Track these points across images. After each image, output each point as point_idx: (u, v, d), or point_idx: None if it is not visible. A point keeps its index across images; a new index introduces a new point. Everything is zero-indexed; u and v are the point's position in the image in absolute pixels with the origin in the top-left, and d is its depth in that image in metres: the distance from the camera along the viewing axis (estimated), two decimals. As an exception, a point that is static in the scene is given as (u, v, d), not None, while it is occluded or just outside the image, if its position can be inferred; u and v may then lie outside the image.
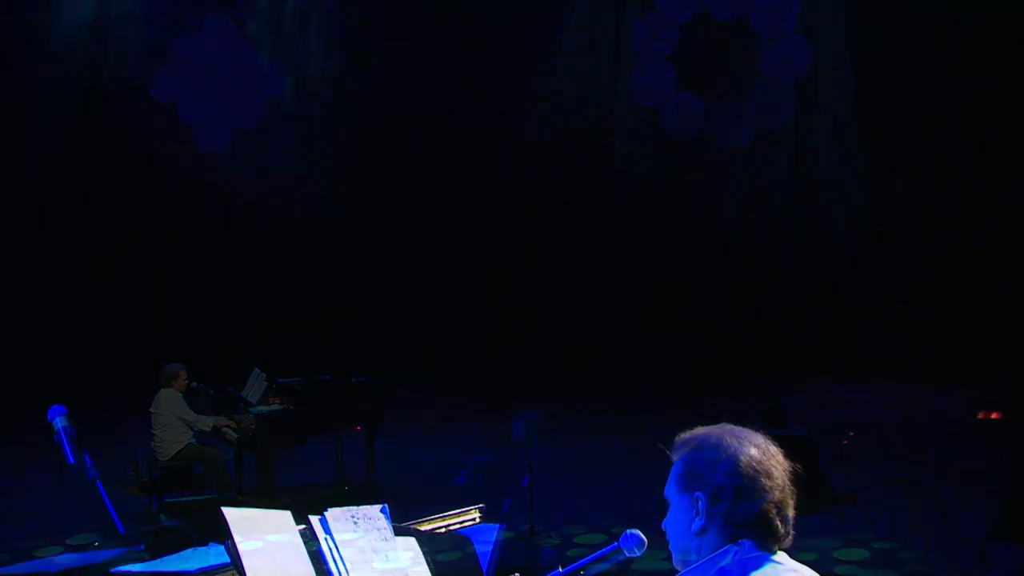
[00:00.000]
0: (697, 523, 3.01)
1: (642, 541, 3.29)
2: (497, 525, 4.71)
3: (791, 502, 3.04)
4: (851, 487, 10.03)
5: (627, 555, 3.29)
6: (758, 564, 2.98)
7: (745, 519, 2.99)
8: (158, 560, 3.78)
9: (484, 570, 4.25)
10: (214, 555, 3.67)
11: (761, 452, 3.04)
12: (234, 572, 3.46)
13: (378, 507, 3.77)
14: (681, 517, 3.04)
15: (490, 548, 4.62)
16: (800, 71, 16.31)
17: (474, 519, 4.37)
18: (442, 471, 10.38)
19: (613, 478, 10.54)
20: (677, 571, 3.10)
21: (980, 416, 12.18)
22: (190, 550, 3.82)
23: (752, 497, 2.99)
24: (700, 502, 3.00)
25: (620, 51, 16.76)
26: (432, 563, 3.84)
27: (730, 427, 3.10)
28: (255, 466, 8.88)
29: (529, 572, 3.37)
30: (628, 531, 3.31)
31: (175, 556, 3.80)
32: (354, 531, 3.67)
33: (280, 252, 16.16)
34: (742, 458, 3.00)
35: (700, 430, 3.12)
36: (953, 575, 7.83)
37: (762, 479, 3.00)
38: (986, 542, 8.43)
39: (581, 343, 15.99)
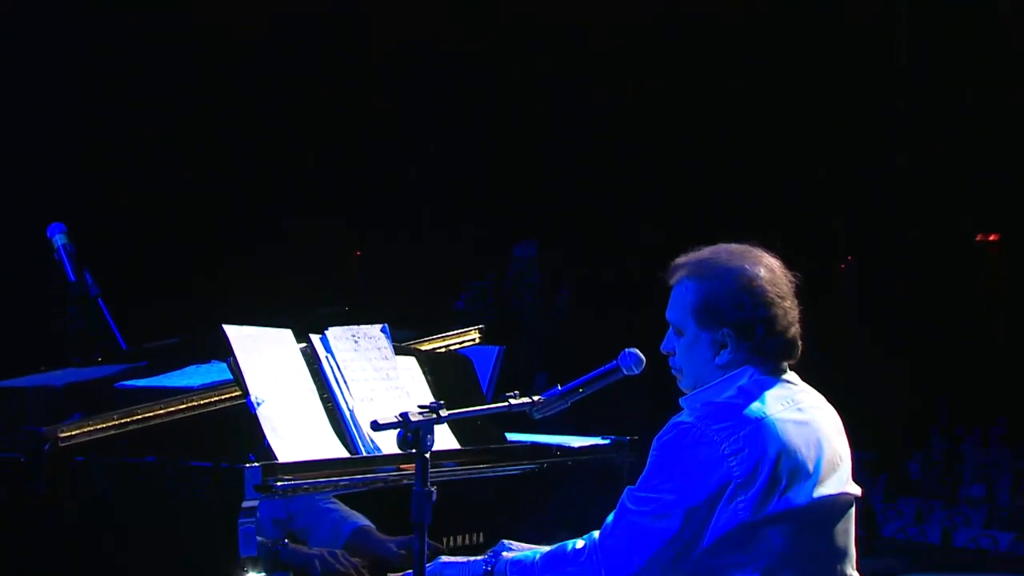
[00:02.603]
0: (724, 356, 3.02)
1: (640, 360, 3.31)
2: (497, 347, 4.74)
3: (800, 313, 3.07)
4: None
5: (625, 373, 3.32)
6: (773, 385, 3.01)
7: (774, 348, 3.01)
8: (160, 376, 3.82)
9: (484, 389, 4.29)
10: (216, 372, 3.70)
11: (772, 272, 3.04)
12: (236, 388, 3.50)
13: (379, 327, 3.79)
14: (703, 350, 3.04)
15: (490, 368, 4.66)
16: None
17: (474, 339, 4.39)
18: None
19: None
20: (684, 392, 3.13)
21: None
22: (192, 367, 3.85)
23: (780, 326, 3.01)
24: (729, 338, 3.00)
25: None
26: (432, 382, 3.88)
27: (734, 248, 3.08)
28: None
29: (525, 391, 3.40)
30: (627, 350, 3.33)
31: (177, 372, 3.83)
32: (355, 350, 3.70)
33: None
34: (767, 286, 2.99)
35: (702, 253, 3.09)
36: None
37: (783, 303, 3.00)
38: None
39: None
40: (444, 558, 3.29)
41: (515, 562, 3.10)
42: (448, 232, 11.15)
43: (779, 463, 2.88)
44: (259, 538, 3.35)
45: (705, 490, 2.88)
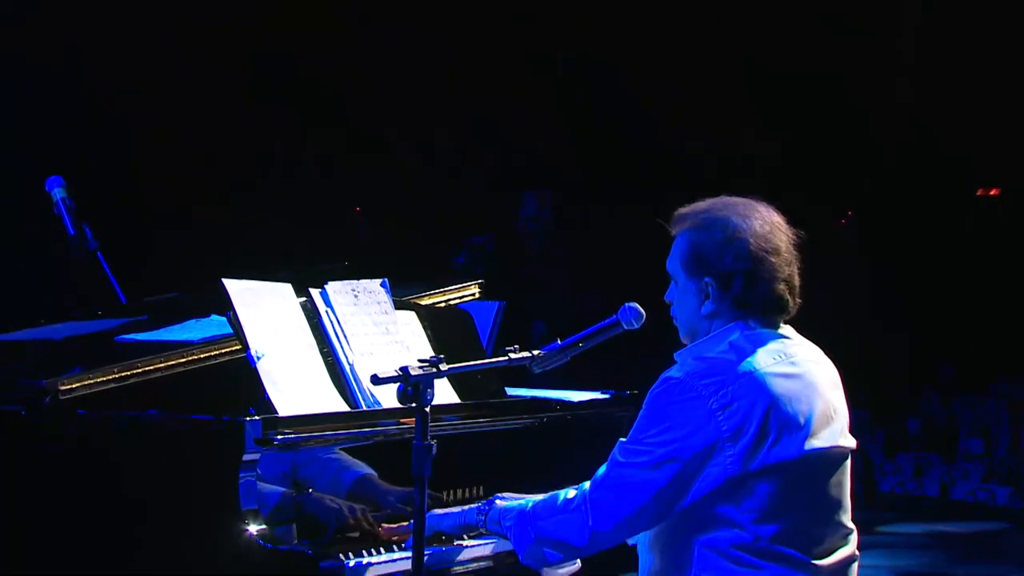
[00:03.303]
0: (708, 306, 3.03)
1: (640, 314, 3.32)
2: (497, 302, 4.74)
3: (797, 271, 3.05)
4: None
5: (625, 328, 3.32)
6: (765, 340, 3.01)
7: (757, 301, 3.01)
8: (161, 330, 3.82)
9: (484, 344, 4.29)
10: (216, 326, 3.70)
11: (767, 226, 3.03)
12: (236, 342, 3.50)
13: (378, 281, 3.79)
14: (690, 299, 3.06)
15: (490, 323, 4.66)
16: None
17: (473, 294, 4.40)
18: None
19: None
20: (683, 343, 3.14)
21: None
22: (192, 320, 3.85)
23: (763, 279, 3.00)
24: (710, 287, 3.01)
25: None
26: (432, 337, 3.88)
27: (731, 201, 3.07)
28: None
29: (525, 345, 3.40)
30: (626, 304, 3.33)
31: (178, 326, 3.83)
32: (355, 304, 3.70)
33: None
34: (751, 240, 2.99)
35: (700, 204, 3.10)
36: None
37: (771, 258, 3.00)
38: None
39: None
40: (438, 510, 3.33)
41: (507, 510, 3.13)
42: (451, 183, 11.14)
43: (768, 416, 2.89)
44: (282, 489, 3.41)
45: (693, 444, 2.89)
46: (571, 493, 3.03)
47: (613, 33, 11.23)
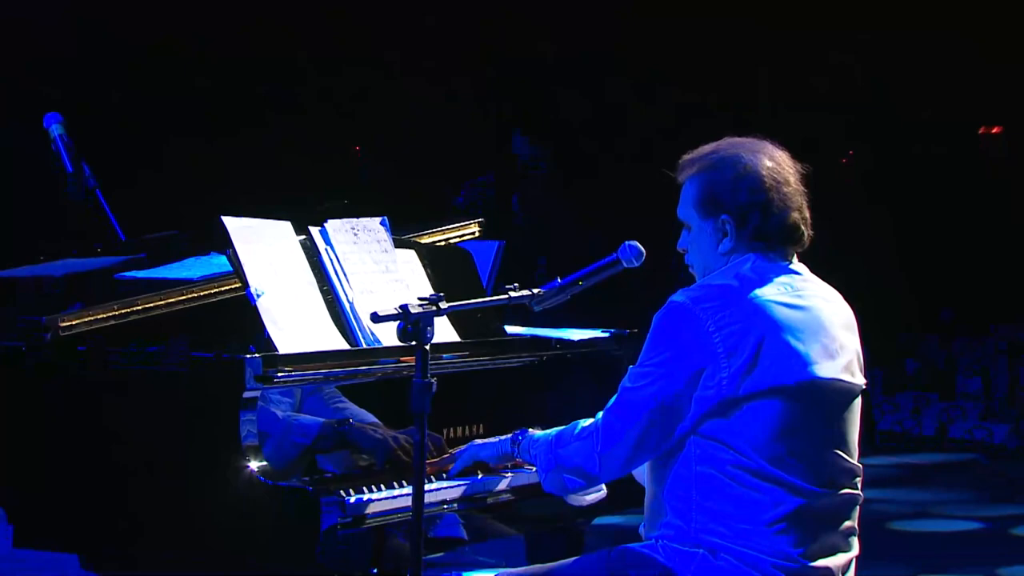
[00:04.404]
0: (725, 244, 3.06)
1: (640, 252, 3.32)
2: (497, 241, 4.73)
3: (807, 203, 3.08)
4: None
5: (625, 266, 3.32)
6: (775, 273, 3.03)
7: (774, 232, 3.03)
8: (160, 267, 3.81)
9: (484, 283, 4.29)
10: (216, 263, 3.69)
11: (775, 160, 3.05)
12: (235, 280, 3.50)
13: (378, 219, 3.78)
14: (707, 239, 3.08)
15: (490, 262, 4.65)
16: None
17: (474, 233, 4.38)
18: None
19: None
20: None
21: None
22: (192, 258, 3.84)
23: (778, 208, 3.03)
24: (728, 225, 3.03)
25: None
26: (432, 275, 3.88)
27: (736, 140, 3.09)
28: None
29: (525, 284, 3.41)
30: (627, 242, 3.33)
31: (177, 264, 3.82)
32: (354, 242, 3.69)
33: None
34: (763, 172, 3.02)
35: (705, 148, 3.12)
36: None
37: (784, 188, 3.03)
38: None
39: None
40: (479, 440, 3.43)
41: (535, 439, 3.21)
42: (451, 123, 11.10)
43: (764, 341, 2.92)
44: (322, 419, 3.45)
45: (689, 366, 2.93)
46: (587, 422, 3.10)
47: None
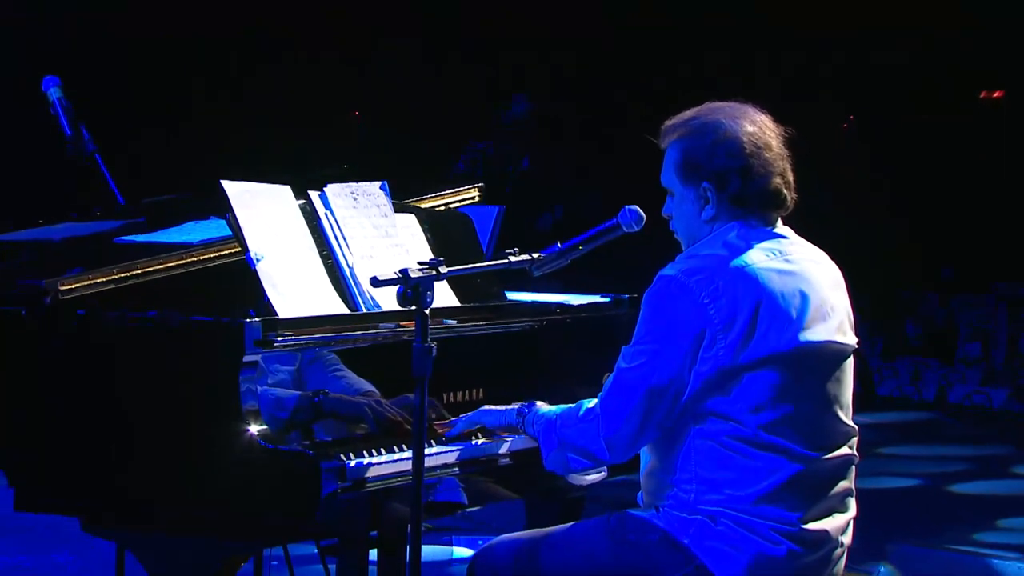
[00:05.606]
0: (708, 211, 3.05)
1: (640, 217, 3.31)
2: (497, 206, 4.73)
3: (790, 167, 3.07)
4: None
5: (625, 230, 3.32)
6: (761, 238, 3.03)
7: (754, 197, 3.02)
8: (159, 232, 3.81)
9: (484, 248, 4.28)
10: (215, 228, 3.69)
11: (757, 124, 3.05)
12: (235, 244, 3.49)
13: (378, 184, 3.77)
14: (689, 207, 3.08)
15: (490, 227, 4.65)
16: None
17: (473, 198, 4.38)
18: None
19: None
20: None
21: None
22: (191, 223, 3.83)
23: (758, 174, 3.02)
24: (709, 192, 3.03)
25: None
26: (431, 240, 3.87)
27: (716, 105, 3.08)
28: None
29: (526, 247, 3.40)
30: (627, 207, 3.32)
31: (176, 228, 3.82)
32: (354, 207, 3.68)
33: None
34: (742, 137, 3.02)
35: (686, 114, 3.11)
36: None
37: (764, 153, 3.02)
38: None
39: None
40: (487, 406, 3.41)
41: (541, 416, 3.19)
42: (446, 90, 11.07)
43: (759, 308, 2.92)
44: (299, 392, 3.43)
45: (686, 339, 2.92)
46: (591, 403, 3.08)
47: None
